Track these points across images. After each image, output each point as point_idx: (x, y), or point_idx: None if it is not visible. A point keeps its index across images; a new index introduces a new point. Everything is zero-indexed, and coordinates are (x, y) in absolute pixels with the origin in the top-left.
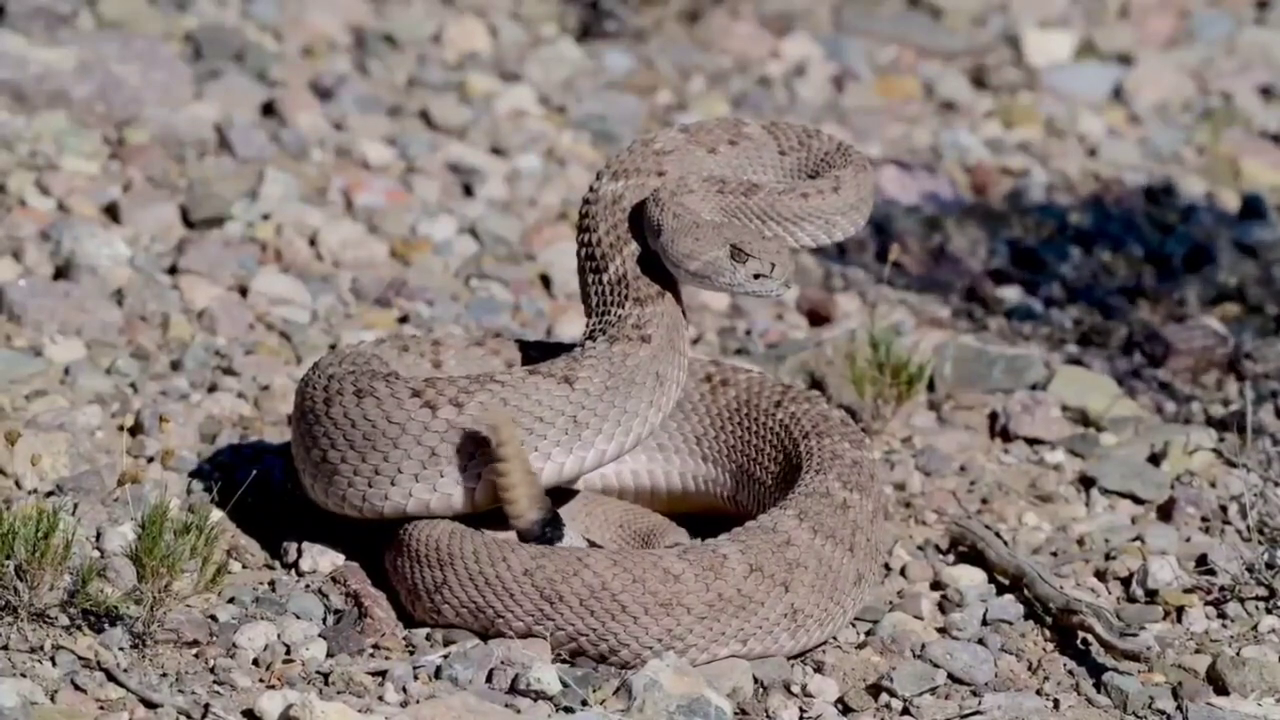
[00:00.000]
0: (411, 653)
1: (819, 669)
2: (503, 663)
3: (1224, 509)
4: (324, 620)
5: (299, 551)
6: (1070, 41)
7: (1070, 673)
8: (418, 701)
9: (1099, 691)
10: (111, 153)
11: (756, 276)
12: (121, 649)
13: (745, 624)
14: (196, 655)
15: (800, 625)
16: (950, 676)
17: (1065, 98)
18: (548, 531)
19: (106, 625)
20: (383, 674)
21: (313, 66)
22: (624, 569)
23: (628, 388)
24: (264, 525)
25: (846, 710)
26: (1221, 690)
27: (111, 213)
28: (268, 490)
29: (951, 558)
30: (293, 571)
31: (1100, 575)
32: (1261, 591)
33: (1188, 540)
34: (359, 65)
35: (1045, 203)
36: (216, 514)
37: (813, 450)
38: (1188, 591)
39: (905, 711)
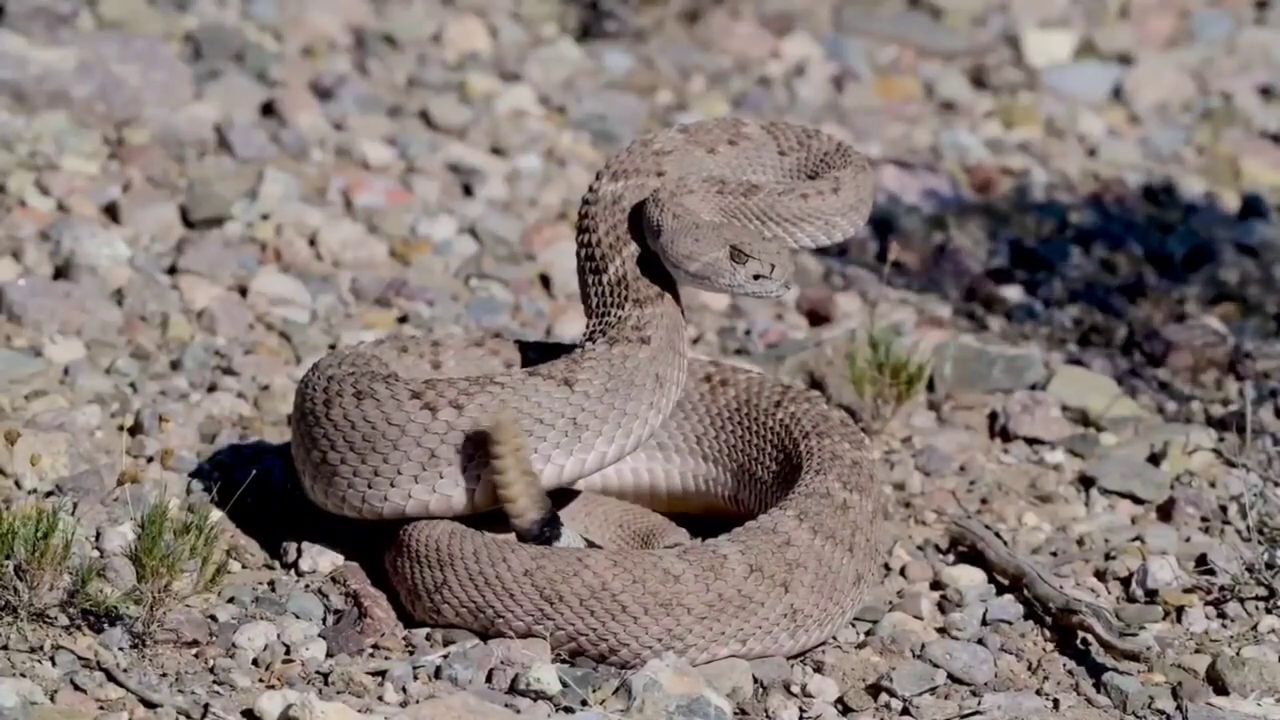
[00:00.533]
0: (411, 653)
1: (819, 669)
2: (502, 663)
3: (1224, 509)
4: (324, 620)
5: (299, 551)
6: (1070, 41)
7: (1070, 673)
8: (417, 701)
9: (1099, 691)
10: (111, 153)
11: (756, 277)
12: (121, 649)
13: (745, 624)
14: (196, 655)
15: (800, 625)
16: (950, 676)
17: (1065, 98)
18: (546, 531)
19: (106, 625)
20: (382, 674)
21: (313, 66)
22: (624, 569)
23: (627, 389)
24: (264, 525)
25: (846, 710)
26: (1221, 690)
27: (111, 213)
28: (267, 490)
29: (951, 558)
30: (292, 571)
31: (1100, 575)
32: (1261, 591)
33: (1188, 540)
34: (359, 65)
35: (1046, 202)
36: (216, 514)
37: (813, 450)
38: (1187, 591)
39: (905, 711)
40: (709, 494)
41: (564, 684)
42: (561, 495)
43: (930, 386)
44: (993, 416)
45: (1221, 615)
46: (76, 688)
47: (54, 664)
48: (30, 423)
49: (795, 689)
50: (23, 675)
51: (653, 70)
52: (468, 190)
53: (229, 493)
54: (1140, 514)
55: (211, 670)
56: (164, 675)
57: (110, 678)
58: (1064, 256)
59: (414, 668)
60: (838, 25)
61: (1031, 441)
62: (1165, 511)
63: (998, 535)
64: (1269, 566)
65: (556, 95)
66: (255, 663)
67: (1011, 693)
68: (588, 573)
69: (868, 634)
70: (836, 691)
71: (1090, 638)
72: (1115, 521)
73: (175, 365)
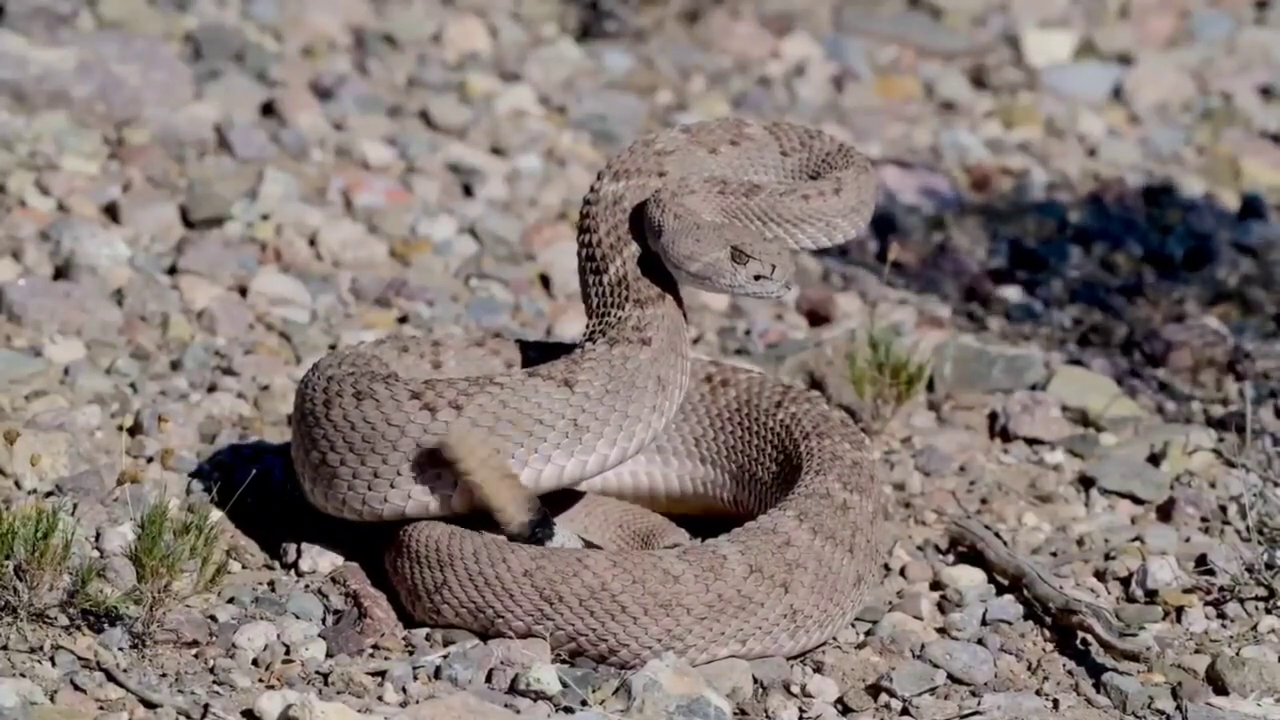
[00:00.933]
0: (411, 653)
1: (818, 669)
2: (502, 663)
3: (1224, 509)
4: (324, 620)
5: (298, 552)
6: (1070, 41)
7: (1070, 673)
8: (417, 701)
9: (1098, 691)
10: (111, 153)
11: (757, 278)
12: (121, 649)
13: (745, 624)
14: (196, 655)
15: (800, 626)
16: (950, 676)
17: (1065, 98)
18: (538, 532)
19: (106, 625)
20: (382, 674)
21: (313, 66)
22: (624, 569)
23: (629, 391)
24: (264, 525)
25: (846, 710)
26: (1221, 690)
27: (111, 213)
28: (267, 490)
29: (951, 558)
30: (292, 571)
31: (1100, 575)
32: (1261, 591)
33: (1187, 540)
34: (359, 65)
35: (1045, 202)
36: (216, 514)
37: (813, 451)
38: (1187, 591)
39: (905, 711)
40: (709, 496)
41: (564, 684)
42: (563, 497)
43: (930, 386)
44: (993, 416)
45: (1221, 615)
46: (76, 688)
47: (54, 664)
48: (30, 423)
49: (795, 689)
50: (23, 675)
51: (653, 70)
52: (468, 190)
53: (229, 493)
54: (1140, 514)
55: (211, 670)
56: (164, 675)
57: (110, 678)
58: (1063, 256)
59: (414, 668)
60: (838, 25)
61: (1031, 441)
62: (1165, 512)
63: (998, 535)
64: (1269, 566)
65: (556, 95)
66: (255, 663)
67: (1011, 693)
68: (587, 573)
69: (868, 634)
70: (836, 691)
71: (1090, 638)
72: (1115, 521)
73: (175, 365)
